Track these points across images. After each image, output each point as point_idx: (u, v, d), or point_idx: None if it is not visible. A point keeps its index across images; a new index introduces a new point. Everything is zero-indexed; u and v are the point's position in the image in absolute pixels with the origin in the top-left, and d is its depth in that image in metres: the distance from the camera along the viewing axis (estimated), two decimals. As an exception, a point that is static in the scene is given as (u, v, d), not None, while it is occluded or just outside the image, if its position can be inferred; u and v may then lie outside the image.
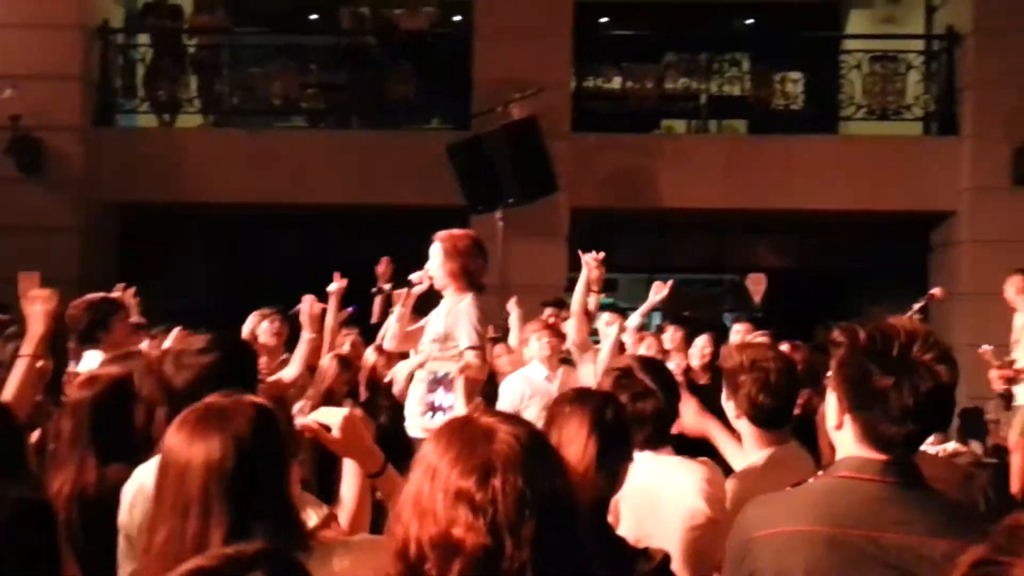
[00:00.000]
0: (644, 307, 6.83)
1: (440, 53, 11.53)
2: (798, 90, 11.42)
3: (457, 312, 4.80)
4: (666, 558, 2.21)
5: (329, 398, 5.31)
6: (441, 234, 4.94)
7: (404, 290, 5.24)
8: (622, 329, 6.71)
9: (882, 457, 1.94)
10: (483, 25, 10.71)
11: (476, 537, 1.41)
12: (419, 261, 5.13)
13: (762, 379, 3.00)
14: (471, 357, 4.66)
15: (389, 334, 5.52)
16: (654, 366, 3.07)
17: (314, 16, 13.83)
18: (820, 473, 2.13)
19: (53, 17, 10.46)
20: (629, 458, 2.40)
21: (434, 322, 4.94)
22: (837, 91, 11.19)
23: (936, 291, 7.49)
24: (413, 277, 5.20)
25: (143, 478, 2.56)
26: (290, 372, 5.07)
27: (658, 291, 6.70)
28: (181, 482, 1.88)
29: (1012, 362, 7.39)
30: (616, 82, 11.49)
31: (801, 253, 12.76)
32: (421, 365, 4.82)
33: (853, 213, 10.86)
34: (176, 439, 1.94)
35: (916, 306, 7.20)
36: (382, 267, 7.24)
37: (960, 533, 1.80)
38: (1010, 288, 7.52)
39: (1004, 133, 10.30)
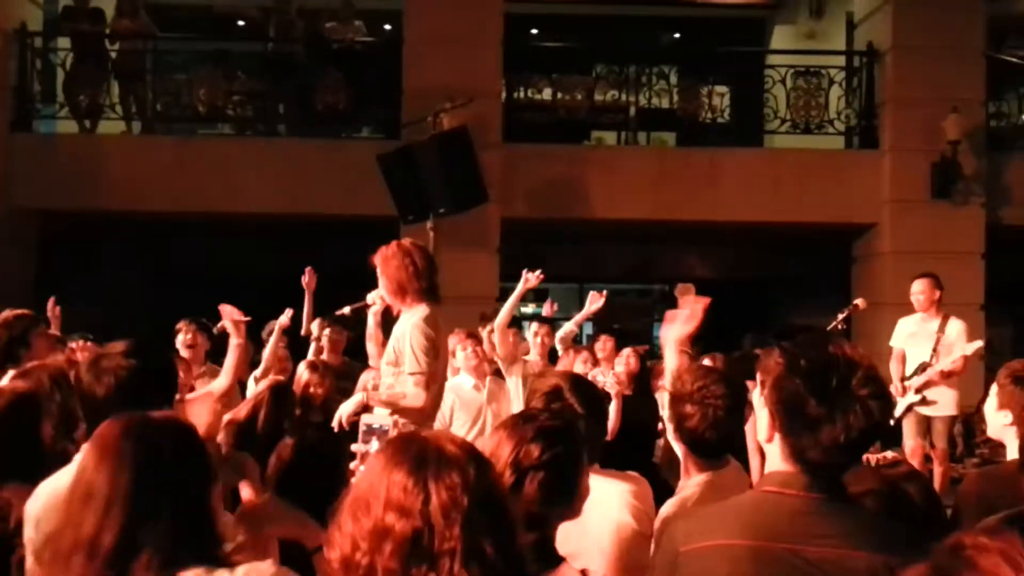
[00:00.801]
0: (579, 316, 6.86)
1: (370, 62, 11.48)
2: (725, 103, 11.59)
3: (403, 334, 4.45)
4: None
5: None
6: (376, 255, 4.60)
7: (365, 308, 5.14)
8: (549, 338, 6.75)
9: (807, 475, 1.95)
10: (413, 34, 10.67)
11: (407, 522, 1.49)
12: (350, 271, 5.02)
13: (709, 414, 2.91)
14: (411, 384, 4.37)
15: (371, 356, 5.36)
16: (582, 386, 3.02)
17: (241, 23, 13.65)
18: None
19: (-32, 20, 10.17)
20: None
21: (390, 343, 4.62)
22: (762, 105, 11.40)
23: (859, 302, 7.63)
24: (369, 298, 5.09)
25: (47, 492, 2.52)
26: (220, 383, 4.94)
27: (593, 301, 6.73)
28: (87, 501, 1.88)
29: (926, 365, 7.56)
30: (546, 93, 11.54)
31: (728, 263, 12.96)
32: (363, 406, 4.37)
33: (778, 224, 11.06)
34: (88, 457, 1.94)
35: (841, 315, 7.33)
36: (307, 278, 7.20)
37: (882, 547, 1.84)
38: (922, 294, 7.67)
39: (923, 147, 10.58)
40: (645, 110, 11.63)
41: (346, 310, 5.52)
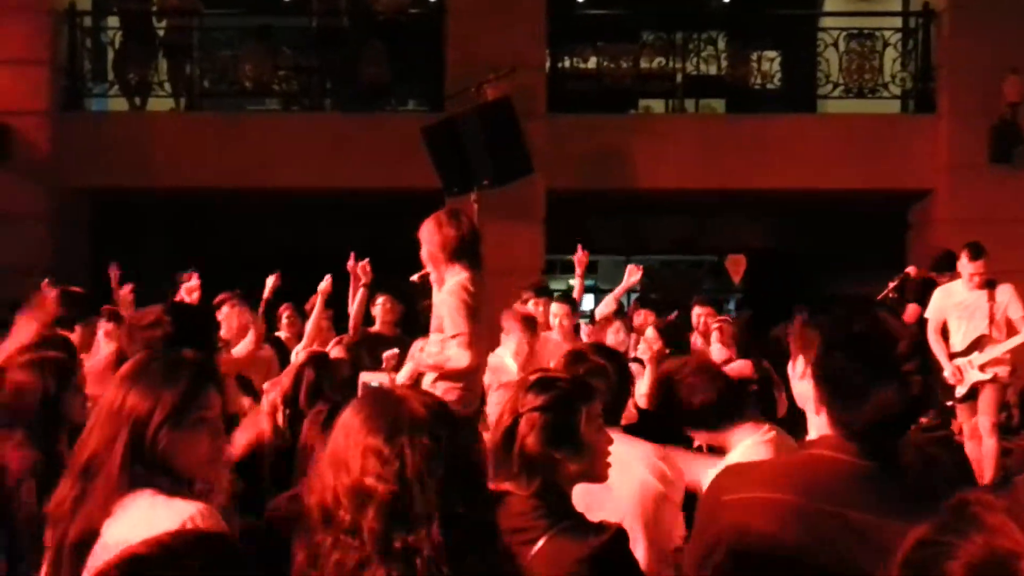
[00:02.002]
0: (618, 290, 6.77)
1: (414, 34, 11.41)
2: (775, 69, 11.36)
3: (442, 300, 4.59)
4: (619, 533, 2.19)
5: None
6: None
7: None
8: (569, 319, 6.63)
9: (858, 442, 1.93)
10: (457, 5, 10.59)
11: (386, 486, 1.57)
12: (394, 244, 5.04)
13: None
14: (454, 345, 4.47)
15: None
16: (607, 351, 3.12)
17: (286, -2, 13.66)
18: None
19: (19, 0, 10.29)
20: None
21: (434, 310, 4.75)
22: (814, 69, 11.15)
23: (911, 270, 7.45)
24: (414, 279, 5.12)
25: None
26: (240, 348, 5.01)
27: (631, 274, 6.64)
28: (108, 421, 2.06)
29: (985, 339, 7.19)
30: (592, 62, 11.40)
31: (779, 232, 12.76)
32: (416, 373, 4.61)
33: (831, 192, 10.84)
34: (114, 387, 2.12)
35: (892, 284, 7.16)
36: (351, 263, 7.09)
37: (921, 519, 1.79)
38: (981, 276, 7.20)
39: (981, 110, 10.29)
40: (693, 77, 11.45)
41: (415, 278, 5.52)
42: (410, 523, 1.56)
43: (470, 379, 4.56)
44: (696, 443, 5.86)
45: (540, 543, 2.14)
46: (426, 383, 4.62)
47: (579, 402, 2.36)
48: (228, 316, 6.10)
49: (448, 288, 4.54)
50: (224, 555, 1.34)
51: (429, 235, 4.62)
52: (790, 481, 1.95)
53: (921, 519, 1.78)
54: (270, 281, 6.74)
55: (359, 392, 3.27)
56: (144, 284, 8.00)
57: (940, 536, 1.06)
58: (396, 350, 5.77)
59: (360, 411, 1.68)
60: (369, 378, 3.31)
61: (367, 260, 6.83)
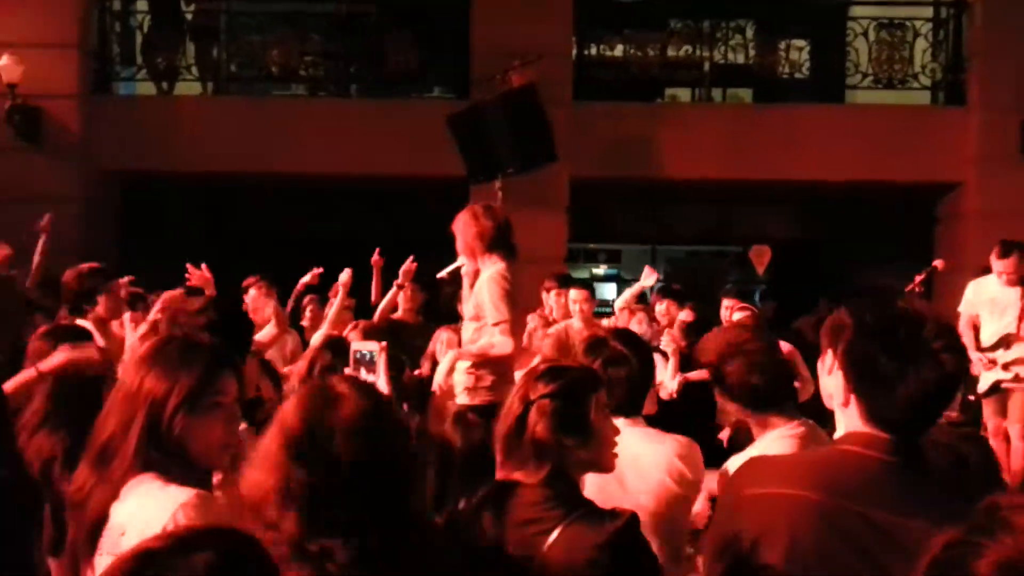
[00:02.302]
0: (633, 290, 6.79)
1: (440, 20, 11.39)
2: (804, 58, 11.27)
3: (479, 288, 4.74)
4: (634, 518, 2.19)
5: None
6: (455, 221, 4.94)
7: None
8: (588, 304, 6.65)
9: (888, 435, 1.92)
10: (483, -9, 10.57)
11: (306, 490, 1.63)
12: (418, 230, 5.08)
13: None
14: (496, 333, 4.59)
15: (467, 316, 5.42)
16: (628, 337, 3.06)
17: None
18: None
19: (51, -16, 10.38)
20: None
21: (471, 299, 4.88)
22: (843, 59, 11.04)
23: (938, 263, 7.37)
24: (460, 260, 5.15)
25: None
26: (264, 333, 5.05)
27: (647, 276, 6.66)
28: (125, 404, 2.07)
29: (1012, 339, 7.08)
30: (619, 50, 11.34)
31: (805, 224, 12.67)
32: (454, 363, 4.70)
33: (858, 183, 10.76)
34: (132, 370, 2.13)
35: (919, 278, 7.10)
36: (375, 257, 7.05)
37: (943, 518, 1.77)
38: (1014, 273, 7.06)
39: (1012, 103, 10.17)
40: (720, 66, 11.37)
41: (443, 273, 5.53)
42: (329, 528, 1.59)
43: (505, 365, 4.68)
44: (720, 434, 5.88)
45: (556, 532, 2.15)
46: (460, 368, 4.72)
47: (588, 390, 2.37)
48: (255, 300, 6.15)
49: (487, 277, 4.70)
50: (236, 549, 1.34)
51: (465, 227, 4.78)
52: (812, 478, 1.94)
53: (945, 518, 1.77)
54: (312, 273, 6.67)
55: (351, 363, 3.26)
56: (170, 267, 8.06)
57: (969, 537, 1.08)
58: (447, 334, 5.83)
59: (296, 406, 1.72)
60: (360, 346, 3.31)
61: (377, 250, 6.90)
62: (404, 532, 1.65)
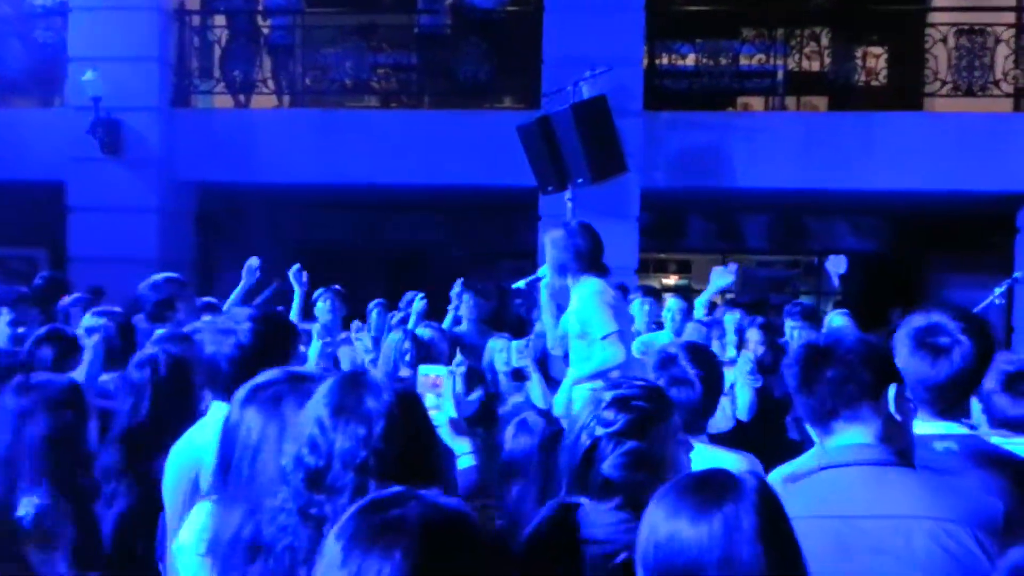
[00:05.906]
0: (708, 292, 6.71)
1: (511, 31, 11.43)
2: (880, 65, 11.04)
3: (581, 306, 4.76)
4: None
5: None
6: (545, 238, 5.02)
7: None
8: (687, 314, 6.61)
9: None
10: (555, 2, 10.58)
11: (314, 460, 1.80)
12: (489, 241, 5.11)
13: None
14: (607, 345, 4.61)
15: (547, 327, 5.45)
16: (701, 353, 3.04)
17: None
18: None
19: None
20: None
21: (574, 319, 4.85)
22: (922, 66, 10.80)
23: (1020, 275, 7.17)
24: (540, 272, 5.17)
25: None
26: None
27: (722, 274, 6.53)
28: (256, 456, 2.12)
29: None
30: (690, 59, 11.26)
31: (882, 234, 12.42)
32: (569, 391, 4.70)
33: (937, 193, 10.50)
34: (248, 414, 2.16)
35: (998, 290, 6.91)
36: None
37: (940, 511, 1.97)
38: None
39: (1099, 109, 9.84)
40: (794, 73, 11.21)
41: (521, 283, 5.56)
42: (327, 494, 1.77)
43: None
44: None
45: (622, 556, 2.13)
46: (578, 391, 4.60)
47: (657, 421, 2.32)
48: (323, 311, 6.23)
49: (590, 293, 4.72)
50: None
51: (562, 245, 4.83)
52: (815, 497, 2.05)
53: (937, 512, 1.84)
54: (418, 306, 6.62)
55: (419, 385, 3.28)
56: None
57: None
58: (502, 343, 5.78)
59: (327, 393, 1.88)
60: (428, 371, 3.32)
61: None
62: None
